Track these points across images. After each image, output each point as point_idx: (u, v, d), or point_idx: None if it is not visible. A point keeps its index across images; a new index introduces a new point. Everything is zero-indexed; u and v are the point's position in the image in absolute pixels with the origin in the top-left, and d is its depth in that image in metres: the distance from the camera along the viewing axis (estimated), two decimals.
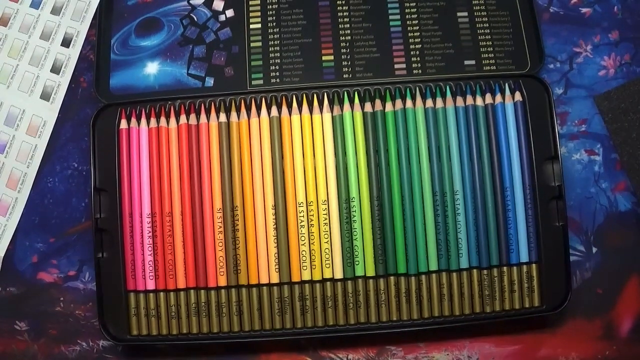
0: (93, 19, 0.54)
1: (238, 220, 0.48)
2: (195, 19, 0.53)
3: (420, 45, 0.52)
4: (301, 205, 0.48)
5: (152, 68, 0.52)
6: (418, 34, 0.52)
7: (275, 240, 0.48)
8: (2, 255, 0.51)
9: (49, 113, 0.53)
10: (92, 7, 0.54)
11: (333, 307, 0.48)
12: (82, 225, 0.52)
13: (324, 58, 0.52)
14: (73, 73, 0.54)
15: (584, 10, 0.54)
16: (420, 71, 0.51)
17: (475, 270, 0.48)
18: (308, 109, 0.49)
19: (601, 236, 0.50)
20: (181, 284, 0.48)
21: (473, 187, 0.48)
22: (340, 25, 0.53)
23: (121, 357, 0.50)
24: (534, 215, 0.48)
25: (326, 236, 0.48)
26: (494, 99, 0.49)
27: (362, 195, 0.48)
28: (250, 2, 0.53)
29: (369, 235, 0.48)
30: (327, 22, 0.53)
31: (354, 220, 0.48)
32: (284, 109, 0.50)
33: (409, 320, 0.48)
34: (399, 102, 0.49)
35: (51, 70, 0.54)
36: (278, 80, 0.51)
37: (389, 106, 0.49)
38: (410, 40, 0.52)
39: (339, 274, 0.48)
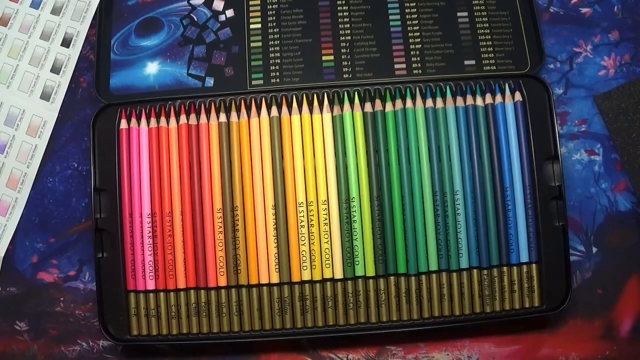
0: (93, 19, 0.54)
1: (238, 220, 0.48)
2: (195, 19, 0.53)
3: (420, 45, 0.52)
4: (301, 205, 0.48)
5: (152, 68, 0.52)
6: (418, 34, 0.52)
7: (275, 240, 0.48)
8: (2, 255, 0.51)
9: (49, 113, 0.53)
10: (92, 7, 0.54)
11: (333, 307, 0.48)
12: (82, 225, 0.52)
13: (324, 58, 0.52)
14: (73, 73, 0.54)
15: (584, 10, 0.54)
16: (420, 71, 0.51)
17: (475, 270, 0.48)
18: (308, 109, 0.49)
19: (601, 236, 0.50)
20: (181, 284, 0.48)
21: (473, 187, 0.48)
22: (340, 25, 0.53)
23: (121, 357, 0.50)
24: (534, 215, 0.48)
25: (326, 236, 0.48)
26: (494, 99, 0.49)
27: (362, 195, 0.48)
28: (250, 2, 0.53)
29: (369, 235, 0.48)
30: (327, 22, 0.53)
31: (354, 220, 0.48)
32: (284, 109, 0.50)
33: (409, 320, 0.48)
34: (399, 102, 0.49)
35: (51, 70, 0.54)
36: (278, 80, 0.51)
37: (389, 106, 0.49)
38: (410, 40, 0.52)
39: (339, 274, 0.48)
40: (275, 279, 0.48)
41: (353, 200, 0.48)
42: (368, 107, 0.49)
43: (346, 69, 0.52)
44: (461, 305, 0.48)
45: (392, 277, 0.48)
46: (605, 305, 0.50)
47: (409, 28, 0.52)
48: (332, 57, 0.52)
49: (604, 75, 0.53)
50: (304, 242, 0.48)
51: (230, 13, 0.53)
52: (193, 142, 0.49)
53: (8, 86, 0.54)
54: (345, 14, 0.53)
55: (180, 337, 0.48)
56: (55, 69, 0.54)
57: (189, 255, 0.48)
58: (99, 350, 0.50)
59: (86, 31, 0.54)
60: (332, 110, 0.49)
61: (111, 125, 0.50)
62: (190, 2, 0.54)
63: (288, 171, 0.49)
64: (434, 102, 0.49)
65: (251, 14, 0.53)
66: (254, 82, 0.51)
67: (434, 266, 0.48)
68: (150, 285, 0.48)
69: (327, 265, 0.48)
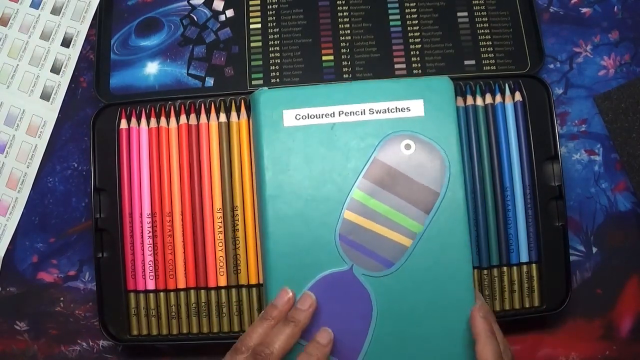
0: (93, 19, 0.54)
1: (238, 220, 0.48)
2: (195, 19, 0.53)
3: (420, 45, 0.52)
4: None
5: (152, 68, 0.52)
6: (418, 34, 0.52)
7: None
8: (2, 255, 0.51)
9: (49, 113, 0.53)
10: (92, 7, 0.54)
11: None
12: (82, 225, 0.52)
13: (324, 58, 0.52)
14: (73, 73, 0.54)
15: (584, 10, 0.54)
16: (420, 71, 0.51)
17: (475, 270, 0.48)
18: None
19: (601, 236, 0.50)
20: (181, 284, 0.48)
21: (473, 187, 0.48)
22: (340, 25, 0.53)
23: (121, 357, 0.50)
24: (534, 215, 0.48)
25: None
26: (494, 99, 0.49)
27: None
28: (250, 2, 0.53)
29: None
30: (327, 22, 0.53)
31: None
32: None
33: None
34: None
35: (51, 70, 0.54)
36: (278, 80, 0.51)
37: None
38: (410, 40, 0.52)
39: None
40: None
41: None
42: None
43: (346, 69, 0.51)
44: None
45: None
46: (605, 305, 0.50)
47: (409, 28, 0.52)
48: (332, 57, 0.52)
49: (604, 75, 0.53)
50: None
51: (230, 13, 0.53)
52: (193, 142, 0.49)
53: (8, 86, 0.54)
54: (345, 14, 0.53)
55: (180, 337, 0.48)
56: (55, 69, 0.54)
57: (189, 255, 0.48)
58: (99, 350, 0.50)
59: (86, 31, 0.54)
60: None
61: (111, 125, 0.50)
62: (190, 2, 0.54)
63: None
64: None
65: (251, 14, 0.53)
66: (254, 82, 0.51)
67: None
68: (150, 285, 0.48)
69: None
